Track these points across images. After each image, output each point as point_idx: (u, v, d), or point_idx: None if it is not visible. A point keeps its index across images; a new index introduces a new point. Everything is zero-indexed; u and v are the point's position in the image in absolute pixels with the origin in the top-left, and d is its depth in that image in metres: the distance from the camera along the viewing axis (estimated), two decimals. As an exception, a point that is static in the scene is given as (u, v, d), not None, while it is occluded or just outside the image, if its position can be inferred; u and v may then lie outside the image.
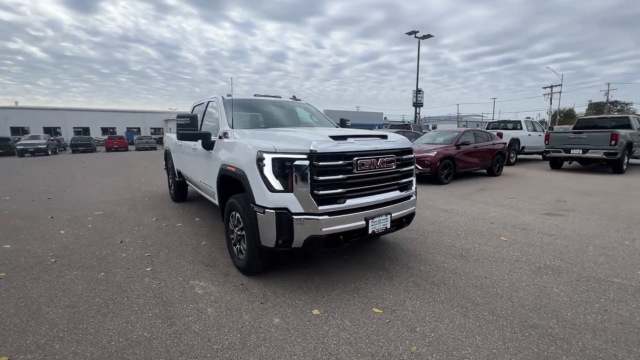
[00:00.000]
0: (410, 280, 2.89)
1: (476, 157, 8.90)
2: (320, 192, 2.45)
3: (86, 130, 42.40)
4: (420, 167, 7.83)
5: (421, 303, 2.50)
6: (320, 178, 2.44)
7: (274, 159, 2.46)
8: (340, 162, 2.51)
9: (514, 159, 12.69)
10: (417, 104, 27.49)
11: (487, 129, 14.71)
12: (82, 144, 29.43)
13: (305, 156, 2.41)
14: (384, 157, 2.76)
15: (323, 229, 2.46)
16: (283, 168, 2.44)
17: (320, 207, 2.45)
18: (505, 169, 10.91)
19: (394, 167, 2.86)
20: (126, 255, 3.53)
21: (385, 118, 73.27)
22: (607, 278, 2.87)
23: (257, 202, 2.53)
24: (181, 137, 3.48)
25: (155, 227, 4.58)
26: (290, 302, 2.54)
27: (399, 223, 3.01)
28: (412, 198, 3.11)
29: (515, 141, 12.74)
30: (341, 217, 2.53)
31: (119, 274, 3.07)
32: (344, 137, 2.67)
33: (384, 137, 2.97)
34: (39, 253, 3.62)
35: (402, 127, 15.12)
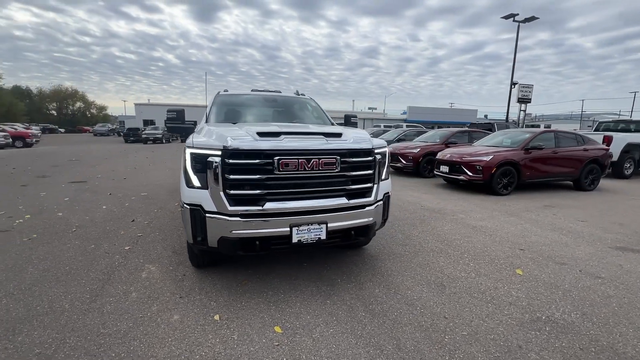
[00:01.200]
0: (347, 303, 2.48)
1: (555, 165, 7.12)
2: (232, 192, 2.29)
3: (195, 123, 49.96)
4: (470, 173, 6.70)
5: (334, 332, 2.12)
6: (233, 177, 2.28)
7: (191, 154, 2.40)
8: (257, 161, 2.29)
9: (630, 171, 9.77)
10: (523, 100, 22.80)
11: (597, 130, 11.73)
12: (188, 134, 34.94)
13: (219, 152, 2.28)
14: (320, 159, 2.40)
15: (233, 232, 2.30)
16: (200, 164, 2.36)
17: (233, 208, 2.29)
18: (608, 183, 8.47)
19: (337, 170, 2.47)
20: (124, 233, 4.00)
21: (485, 116, 65.10)
22: None
23: (181, 197, 2.53)
24: (168, 129, 3.72)
25: (171, 211, 5.07)
26: (205, 302, 2.47)
27: (345, 236, 2.61)
28: (368, 208, 2.65)
29: (635, 148, 9.77)
30: (258, 220, 2.32)
31: (103, 248, 3.50)
32: (276, 134, 2.43)
33: (334, 135, 2.59)
34: (72, 222, 4.40)
35: (483, 126, 13.19)
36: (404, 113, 58.28)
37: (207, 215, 2.32)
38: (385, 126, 25.77)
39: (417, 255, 3.43)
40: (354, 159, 2.54)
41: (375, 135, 14.02)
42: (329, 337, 2.07)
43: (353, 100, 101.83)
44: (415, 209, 5.39)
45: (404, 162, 9.25)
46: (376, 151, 2.70)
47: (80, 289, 2.62)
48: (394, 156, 9.56)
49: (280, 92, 4.47)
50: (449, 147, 8.88)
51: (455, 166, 7.03)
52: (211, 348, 1.95)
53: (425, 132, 11.76)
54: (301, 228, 2.39)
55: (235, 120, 3.77)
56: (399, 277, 2.92)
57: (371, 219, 2.67)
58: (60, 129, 53.88)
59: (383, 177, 2.90)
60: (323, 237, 2.46)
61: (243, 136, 2.36)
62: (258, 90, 4.33)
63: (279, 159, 2.30)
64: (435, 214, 5.10)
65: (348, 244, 2.85)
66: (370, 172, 2.64)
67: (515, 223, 4.67)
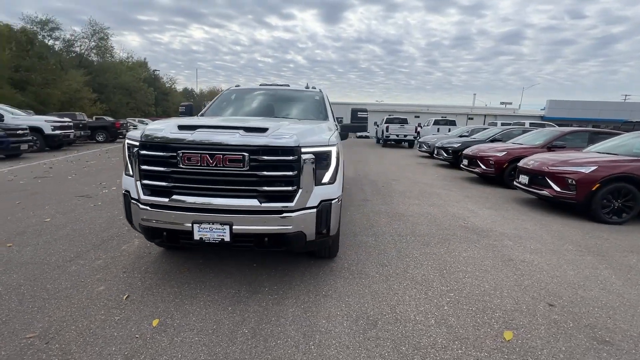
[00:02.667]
0: (245, 317, 2.24)
1: None
2: (144, 182, 2.38)
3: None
4: (557, 188, 4.96)
5: (197, 341, 1.96)
6: (144, 167, 2.36)
7: (125, 144, 2.59)
8: (162, 153, 2.29)
9: None
10: None
11: None
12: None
13: (137, 143, 2.40)
14: (225, 155, 2.22)
15: (143, 220, 2.39)
16: (129, 153, 2.53)
17: (145, 197, 2.38)
18: None
19: (246, 168, 2.23)
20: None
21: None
22: None
23: (125, 184, 2.77)
24: None
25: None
26: (129, 281, 2.67)
27: (259, 242, 2.35)
28: (287, 215, 2.30)
29: None
30: (163, 212, 2.34)
31: (94, 238, 4.13)
32: (192, 127, 2.38)
33: (257, 130, 2.34)
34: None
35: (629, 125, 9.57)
36: (543, 109, 48.31)
37: (132, 201, 2.49)
38: (503, 124, 21.97)
39: (384, 282, 2.79)
40: (267, 157, 2.24)
41: (478, 134, 12.18)
42: (186, 344, 1.93)
43: (474, 95, 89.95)
44: (451, 226, 4.38)
45: (484, 167, 7.60)
46: (304, 150, 2.31)
47: (24, 273, 3.24)
48: (472, 160, 7.98)
49: (289, 85, 4.33)
50: (552, 151, 6.83)
51: (537, 177, 5.34)
52: (88, 319, 2.10)
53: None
54: (202, 226, 2.29)
55: (231, 114, 3.88)
56: (333, 307, 2.45)
57: (291, 227, 2.32)
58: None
59: (325, 180, 2.47)
60: (227, 239, 2.29)
61: (159, 128, 2.41)
62: (266, 85, 4.32)
63: (182, 153, 2.25)
64: (471, 235, 4.02)
65: (275, 249, 2.57)
66: (290, 173, 2.28)
67: (587, 266, 3.22)
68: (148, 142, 2.34)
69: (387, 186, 7.11)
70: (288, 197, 2.32)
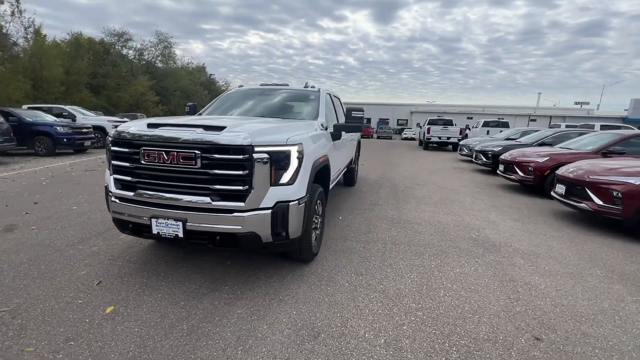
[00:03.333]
0: (191, 313, 2.25)
1: None
2: (114, 176, 2.53)
3: (351, 120, 53.93)
4: (598, 200, 4.20)
5: (136, 332, 2.01)
6: (114, 162, 2.51)
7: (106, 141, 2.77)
8: (127, 150, 2.42)
9: None
10: None
11: None
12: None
13: (110, 139, 2.56)
14: (179, 152, 2.26)
15: (112, 211, 2.55)
16: (106, 149, 2.71)
17: (115, 190, 2.53)
18: None
19: (198, 166, 2.25)
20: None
21: None
22: None
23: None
24: None
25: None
26: (109, 266, 2.86)
27: (211, 240, 2.35)
28: (238, 214, 2.26)
29: None
30: (128, 205, 2.47)
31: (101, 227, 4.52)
32: (158, 125, 2.46)
33: (214, 128, 2.34)
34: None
35: None
36: (627, 109, 42.20)
37: (109, 193, 2.67)
38: (567, 126, 19.63)
39: (350, 292, 2.61)
40: (218, 156, 2.24)
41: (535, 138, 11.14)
42: (125, 334, 2.00)
43: (539, 94, 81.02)
44: (458, 237, 3.97)
45: (522, 174, 6.77)
46: (258, 149, 2.26)
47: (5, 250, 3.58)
48: (509, 165, 7.16)
49: (288, 84, 4.29)
50: (608, 157, 5.85)
51: (575, 187, 4.59)
52: (57, 300, 2.29)
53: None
54: (160, 221, 2.36)
55: (222, 114, 3.98)
56: (282, 314, 2.35)
57: (241, 227, 2.28)
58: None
59: (283, 181, 2.40)
60: (180, 235, 2.33)
61: (129, 126, 2.54)
62: (267, 85, 4.33)
63: (143, 149, 2.35)
64: (477, 249, 3.59)
65: (229, 249, 2.56)
66: (241, 172, 2.24)
67: (611, 296, 2.66)
68: (117, 139, 2.48)
69: (407, 191, 6.71)
70: (240, 196, 2.29)
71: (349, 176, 6.60)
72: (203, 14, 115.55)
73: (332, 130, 3.68)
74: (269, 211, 2.32)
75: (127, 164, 2.45)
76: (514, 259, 3.35)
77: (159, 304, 2.34)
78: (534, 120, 46.45)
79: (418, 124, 23.70)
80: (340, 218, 4.57)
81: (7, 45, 20.64)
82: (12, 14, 20.67)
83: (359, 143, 7.33)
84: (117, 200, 2.53)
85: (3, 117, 9.32)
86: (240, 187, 2.27)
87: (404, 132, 37.24)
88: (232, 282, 2.69)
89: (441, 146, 19.28)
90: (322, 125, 3.48)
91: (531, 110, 49.62)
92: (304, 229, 2.60)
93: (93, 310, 2.24)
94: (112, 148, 2.51)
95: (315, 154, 2.81)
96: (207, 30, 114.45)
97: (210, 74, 53.45)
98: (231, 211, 2.28)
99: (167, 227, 2.35)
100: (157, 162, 2.32)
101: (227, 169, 2.26)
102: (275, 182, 2.36)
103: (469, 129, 20.63)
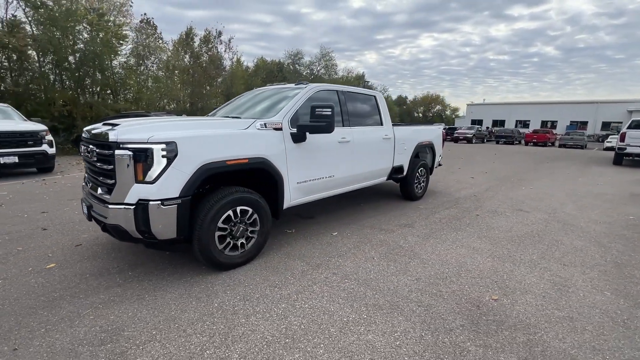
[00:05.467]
0: (119, 293, 2.60)
1: None
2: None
3: (525, 124, 43.66)
4: None
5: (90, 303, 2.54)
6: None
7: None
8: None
9: None
10: None
11: None
12: (504, 135, 31.76)
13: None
14: (86, 146, 2.67)
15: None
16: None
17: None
18: None
19: (95, 159, 2.58)
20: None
21: None
22: None
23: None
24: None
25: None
26: (98, 253, 3.64)
27: (103, 226, 2.61)
28: (111, 207, 2.42)
29: None
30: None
31: None
32: (112, 124, 2.88)
33: (111, 126, 2.59)
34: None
35: None
36: None
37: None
38: None
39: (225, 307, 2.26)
40: (98, 150, 2.49)
41: None
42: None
43: None
44: (454, 293, 2.63)
45: None
46: (123, 146, 2.35)
47: None
48: None
49: (285, 84, 4.02)
50: None
51: None
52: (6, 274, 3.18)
53: None
54: (83, 204, 2.85)
55: (226, 114, 4.23)
56: (150, 316, 2.33)
57: (106, 218, 2.45)
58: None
59: (148, 179, 2.38)
60: (88, 218, 2.74)
61: (95, 127, 3.13)
62: (271, 86, 4.24)
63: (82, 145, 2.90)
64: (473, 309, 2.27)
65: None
66: (107, 167, 2.41)
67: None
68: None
69: (480, 218, 4.93)
70: (109, 190, 2.46)
71: (404, 187, 5.54)
72: (378, 26, 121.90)
73: (293, 131, 3.25)
74: (131, 208, 2.36)
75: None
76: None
77: (89, 291, 2.83)
78: None
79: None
80: (335, 234, 3.94)
81: (220, 74, 29.13)
82: (225, 50, 29.12)
83: (431, 147, 6.01)
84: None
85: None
86: (109, 181, 2.44)
87: (607, 140, 26.22)
88: (176, 279, 2.88)
89: (650, 161, 12.70)
90: (277, 123, 3.15)
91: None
92: (182, 231, 2.48)
93: (17, 285, 2.98)
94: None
95: (212, 155, 2.60)
96: (381, 40, 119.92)
97: (366, 81, 56.19)
98: (104, 202, 2.49)
99: (84, 210, 2.82)
100: (84, 153, 2.82)
101: (102, 163, 2.48)
102: (142, 179, 2.37)
103: None
